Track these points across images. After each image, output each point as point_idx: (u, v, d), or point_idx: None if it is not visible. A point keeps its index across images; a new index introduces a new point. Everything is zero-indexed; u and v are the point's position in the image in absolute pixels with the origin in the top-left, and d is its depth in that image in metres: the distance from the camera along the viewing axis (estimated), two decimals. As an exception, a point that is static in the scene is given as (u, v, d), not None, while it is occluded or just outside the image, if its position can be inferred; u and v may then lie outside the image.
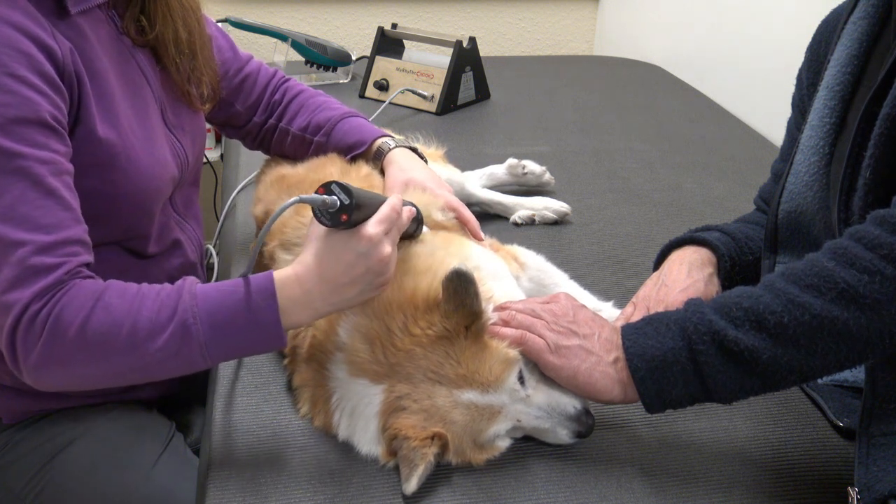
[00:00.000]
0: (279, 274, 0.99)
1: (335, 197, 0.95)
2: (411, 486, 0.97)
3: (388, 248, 1.00)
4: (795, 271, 0.94)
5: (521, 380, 1.04)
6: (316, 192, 0.95)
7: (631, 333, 1.01)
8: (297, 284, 0.99)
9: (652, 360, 0.98)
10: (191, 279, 1.01)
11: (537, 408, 1.04)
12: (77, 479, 1.24)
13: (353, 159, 1.42)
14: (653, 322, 1.01)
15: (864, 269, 0.88)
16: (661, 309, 1.20)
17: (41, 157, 0.98)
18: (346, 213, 0.95)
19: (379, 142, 1.41)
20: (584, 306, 1.10)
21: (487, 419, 1.02)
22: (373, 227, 0.99)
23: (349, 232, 0.98)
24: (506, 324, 1.06)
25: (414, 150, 1.43)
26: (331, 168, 1.37)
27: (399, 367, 1.01)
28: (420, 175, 1.32)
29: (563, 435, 1.05)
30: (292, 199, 0.95)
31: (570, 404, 1.04)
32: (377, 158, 1.40)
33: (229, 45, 1.46)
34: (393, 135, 1.46)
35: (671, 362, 0.97)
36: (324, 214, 0.96)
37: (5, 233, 0.95)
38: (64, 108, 1.03)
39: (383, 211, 1.01)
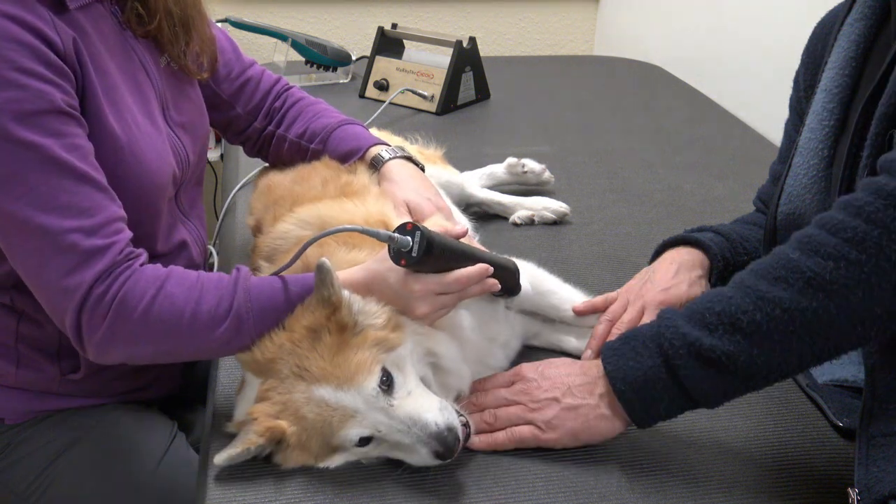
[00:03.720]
0: None
1: (408, 238, 0.99)
2: (219, 458, 0.99)
3: (422, 309, 1.05)
4: (764, 265, 0.94)
5: (388, 387, 1.00)
6: (400, 228, 1.00)
7: (610, 356, 1.03)
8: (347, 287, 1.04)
9: (634, 381, 1.00)
10: (245, 271, 1.07)
11: (399, 420, 0.98)
12: (81, 479, 1.25)
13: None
14: (629, 341, 1.03)
15: (828, 256, 0.88)
16: (639, 304, 1.24)
17: (66, 144, 1.01)
18: (405, 259, 1.00)
19: (374, 151, 1.39)
20: (548, 363, 1.12)
21: (339, 421, 0.98)
22: (422, 284, 1.04)
23: (402, 271, 1.03)
24: (490, 426, 1.08)
25: (409, 158, 1.40)
26: (315, 179, 1.35)
27: (272, 364, 1.02)
28: (413, 196, 1.30)
29: (424, 454, 0.98)
30: (361, 228, 1.03)
31: (433, 420, 0.98)
32: (373, 167, 1.38)
33: (232, 47, 1.46)
34: (388, 143, 1.44)
35: (653, 380, 0.98)
36: (392, 248, 1.01)
37: (50, 223, 0.99)
38: (75, 94, 1.05)
39: (452, 276, 1.05)
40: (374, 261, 1.08)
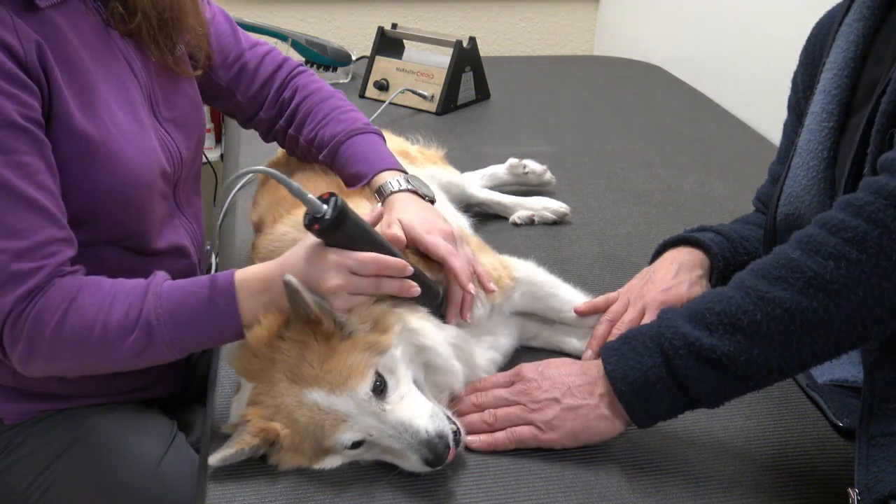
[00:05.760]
0: (243, 272, 1.05)
1: (324, 206, 0.99)
2: (213, 459, 1.00)
3: (334, 281, 1.01)
4: (764, 265, 0.95)
5: (381, 391, 1.00)
6: (319, 197, 0.99)
7: (610, 356, 1.03)
8: (262, 281, 1.04)
9: (634, 381, 1.00)
10: (160, 275, 1.06)
11: (391, 425, 0.98)
12: (81, 479, 1.25)
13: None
14: (629, 341, 1.03)
15: (829, 256, 0.88)
16: (639, 304, 1.24)
17: (9, 161, 0.99)
18: (318, 224, 0.99)
19: (381, 181, 1.26)
20: (548, 363, 1.12)
21: (331, 425, 0.98)
22: (337, 255, 1.02)
23: (318, 245, 1.02)
24: (490, 426, 1.08)
25: (416, 191, 1.25)
26: (321, 182, 1.34)
27: (263, 372, 1.02)
28: (408, 217, 1.17)
29: (414, 461, 0.98)
30: (275, 173, 0.99)
31: (424, 427, 0.98)
32: (379, 195, 1.26)
33: (232, 30, 1.40)
34: (400, 167, 1.30)
35: (653, 380, 0.99)
36: (307, 215, 1.00)
37: None
38: (35, 103, 1.03)
39: (367, 255, 1.02)
40: (287, 252, 1.07)
